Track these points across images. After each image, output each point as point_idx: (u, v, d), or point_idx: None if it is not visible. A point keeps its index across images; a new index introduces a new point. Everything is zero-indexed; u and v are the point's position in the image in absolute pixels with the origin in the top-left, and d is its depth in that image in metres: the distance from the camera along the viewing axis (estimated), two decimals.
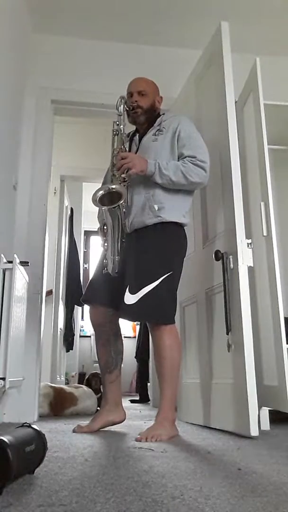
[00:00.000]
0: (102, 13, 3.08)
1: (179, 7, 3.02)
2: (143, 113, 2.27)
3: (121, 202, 2.02)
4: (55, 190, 4.32)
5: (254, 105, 2.61)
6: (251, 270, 2.27)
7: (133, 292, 2.04)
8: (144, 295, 2.03)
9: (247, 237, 2.21)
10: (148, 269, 2.08)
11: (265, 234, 2.40)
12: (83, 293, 2.31)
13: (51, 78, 3.21)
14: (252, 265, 2.18)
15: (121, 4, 3.00)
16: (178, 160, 2.18)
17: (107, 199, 2.03)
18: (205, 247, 2.55)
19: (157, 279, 2.05)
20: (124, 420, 2.25)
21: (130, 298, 2.03)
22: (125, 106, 2.26)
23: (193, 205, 2.72)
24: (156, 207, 2.13)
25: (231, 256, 2.19)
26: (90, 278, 2.31)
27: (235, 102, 2.42)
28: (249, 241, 2.19)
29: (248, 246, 2.18)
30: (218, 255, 2.22)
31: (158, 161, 2.11)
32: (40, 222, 2.97)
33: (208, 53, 2.64)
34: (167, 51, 3.34)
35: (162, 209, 2.13)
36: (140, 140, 2.31)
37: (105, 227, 2.15)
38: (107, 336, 2.24)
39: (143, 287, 2.04)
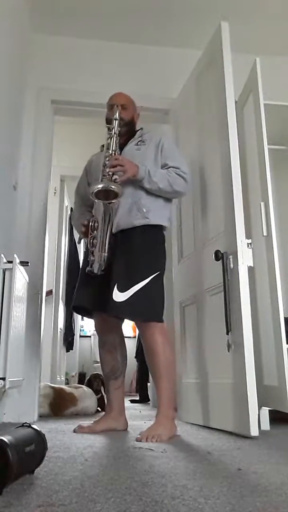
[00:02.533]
0: (102, 13, 3.08)
1: (179, 7, 3.02)
2: (124, 125, 2.32)
3: (118, 198, 2.06)
4: (55, 190, 4.32)
5: (254, 105, 2.61)
6: (251, 270, 2.27)
7: (122, 290, 2.06)
8: (134, 293, 2.06)
9: (247, 237, 2.21)
10: (137, 268, 2.12)
11: (265, 234, 2.40)
12: (74, 297, 2.31)
13: (51, 78, 3.20)
14: (252, 265, 2.18)
15: (121, 4, 3.00)
16: (161, 169, 2.26)
17: (101, 196, 2.06)
18: (205, 247, 2.55)
19: (147, 278, 2.09)
20: (126, 429, 2.25)
21: (119, 296, 2.06)
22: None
23: (193, 205, 2.73)
24: (144, 209, 2.19)
25: (231, 256, 2.19)
26: (79, 284, 2.29)
27: (235, 102, 2.42)
28: (249, 241, 2.19)
29: (248, 246, 2.18)
30: (218, 255, 2.23)
31: (148, 168, 2.18)
32: (40, 222, 2.97)
33: (208, 53, 2.64)
34: (167, 51, 3.34)
35: (150, 212, 2.19)
36: (120, 150, 2.34)
37: (96, 223, 2.18)
38: (113, 342, 2.28)
39: (133, 285, 2.07)
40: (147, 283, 2.08)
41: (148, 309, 2.09)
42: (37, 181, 3.02)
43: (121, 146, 2.31)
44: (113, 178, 2.11)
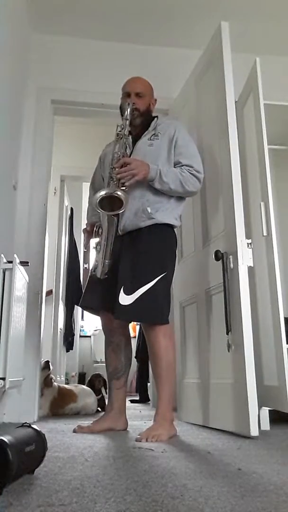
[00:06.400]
0: (102, 13, 3.08)
1: (179, 7, 3.02)
2: (139, 115, 2.25)
3: (122, 210, 1.99)
4: (55, 190, 4.31)
5: (254, 105, 2.61)
6: (251, 270, 2.27)
7: (128, 293, 2.04)
8: (140, 295, 2.04)
9: (247, 237, 2.21)
10: (143, 270, 2.09)
11: (265, 234, 2.40)
12: (83, 295, 2.30)
13: (51, 78, 3.21)
14: (252, 265, 2.18)
15: (121, 4, 3.00)
16: (174, 166, 2.19)
17: (106, 202, 1.99)
18: (205, 247, 2.55)
19: (153, 280, 2.07)
20: (126, 429, 2.24)
21: (125, 299, 2.04)
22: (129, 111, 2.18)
23: (193, 205, 2.73)
24: (149, 209, 2.14)
25: (231, 256, 2.19)
26: (88, 283, 2.29)
27: (235, 102, 2.42)
28: (249, 241, 2.19)
29: (248, 246, 2.18)
30: (218, 255, 2.23)
31: (160, 168, 2.12)
32: (40, 222, 2.97)
33: (208, 53, 2.64)
34: (167, 51, 3.34)
35: (156, 212, 2.15)
36: (134, 142, 2.27)
37: (100, 230, 2.14)
38: (119, 342, 2.27)
39: (139, 288, 2.05)
40: (152, 285, 2.06)
41: (153, 312, 2.07)
42: (37, 181, 3.02)
43: (136, 138, 2.25)
44: (121, 182, 2.04)
